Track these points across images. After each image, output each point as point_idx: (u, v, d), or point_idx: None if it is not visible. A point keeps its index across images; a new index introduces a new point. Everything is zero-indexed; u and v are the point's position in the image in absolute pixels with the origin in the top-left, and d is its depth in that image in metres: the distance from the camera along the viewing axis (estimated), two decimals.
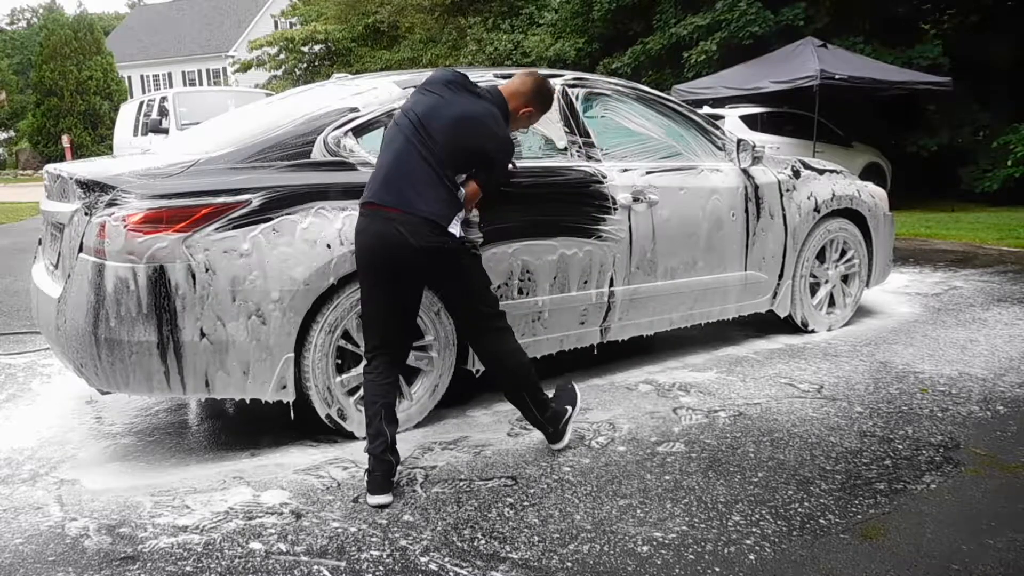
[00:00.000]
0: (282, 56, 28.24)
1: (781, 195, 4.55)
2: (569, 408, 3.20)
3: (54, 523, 2.65)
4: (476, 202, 3.11)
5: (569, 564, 2.34)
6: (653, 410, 3.60)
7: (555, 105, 3.89)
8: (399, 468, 2.89)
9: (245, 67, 29.06)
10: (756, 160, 4.41)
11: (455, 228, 2.87)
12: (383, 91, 3.49)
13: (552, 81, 3.97)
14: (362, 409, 3.29)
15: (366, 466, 2.79)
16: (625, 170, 3.97)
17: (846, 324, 4.96)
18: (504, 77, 3.81)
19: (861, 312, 5.18)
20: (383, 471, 2.77)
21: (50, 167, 3.55)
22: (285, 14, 35.70)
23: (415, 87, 3.10)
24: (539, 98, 3.16)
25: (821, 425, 3.37)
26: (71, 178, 3.17)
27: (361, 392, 3.31)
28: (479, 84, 3.09)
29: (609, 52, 17.40)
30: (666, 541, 2.46)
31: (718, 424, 3.41)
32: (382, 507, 2.71)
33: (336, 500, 2.78)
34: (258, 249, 3.00)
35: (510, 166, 3.28)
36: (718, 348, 4.54)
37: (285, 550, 2.44)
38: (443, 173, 2.85)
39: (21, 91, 42.22)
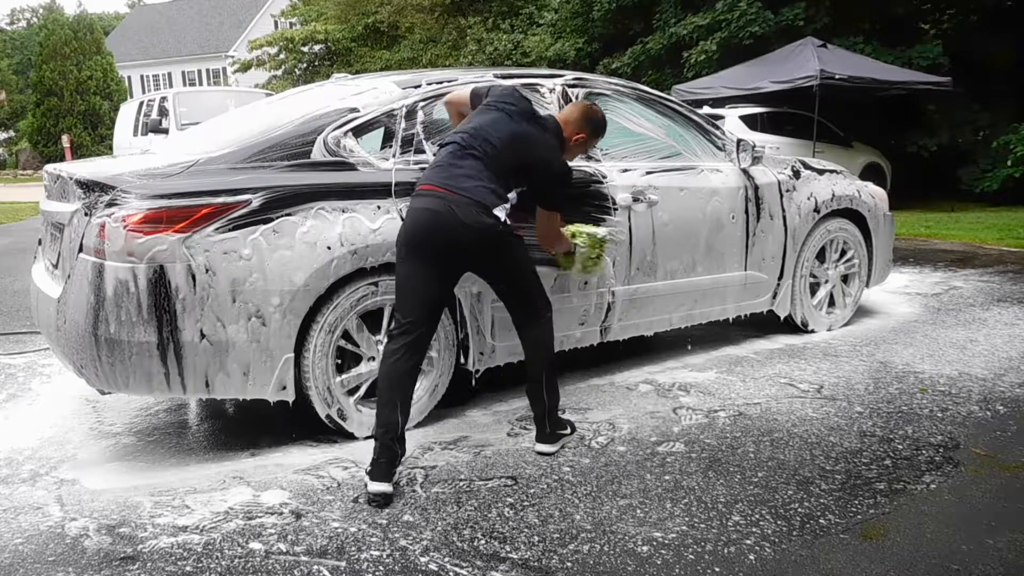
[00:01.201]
0: (282, 56, 28.24)
1: (781, 195, 4.55)
2: (570, 429, 3.29)
3: (54, 523, 2.65)
4: (557, 223, 3.33)
5: (569, 564, 2.34)
6: (653, 410, 3.60)
7: (556, 105, 3.90)
8: (399, 468, 2.89)
9: (245, 67, 29.06)
10: (756, 160, 4.41)
11: (501, 213, 2.92)
12: (383, 91, 3.49)
13: (552, 81, 3.98)
14: (362, 409, 3.31)
15: (371, 455, 2.82)
16: (625, 170, 3.97)
17: (846, 324, 4.96)
18: (504, 77, 3.82)
19: (861, 312, 5.18)
20: (388, 458, 2.79)
21: (50, 167, 3.55)
22: (285, 14, 35.69)
23: (481, 95, 3.20)
24: (589, 124, 3.27)
25: (821, 425, 3.37)
26: (71, 178, 3.17)
27: (361, 392, 3.32)
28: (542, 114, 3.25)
29: (609, 52, 17.40)
30: (666, 541, 2.46)
31: (718, 424, 3.41)
32: (381, 496, 2.71)
33: (336, 500, 2.78)
34: (258, 250, 3.00)
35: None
36: (718, 348, 4.54)
37: (285, 550, 2.45)
38: (494, 169, 2.94)
39: (21, 91, 42.21)
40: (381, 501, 2.72)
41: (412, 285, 2.91)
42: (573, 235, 3.47)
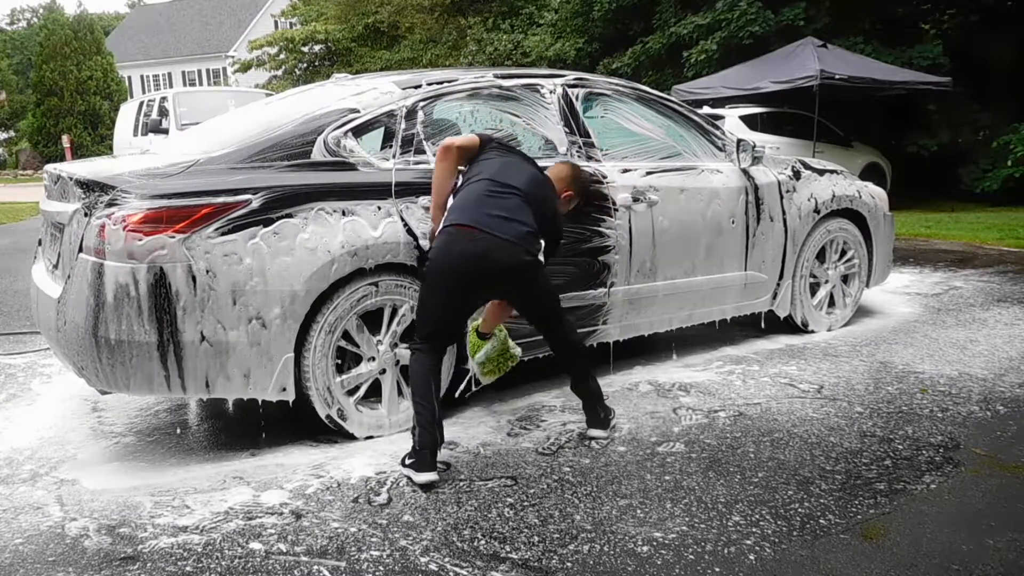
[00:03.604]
0: (282, 56, 28.26)
1: (781, 196, 4.54)
2: (614, 414, 3.41)
3: (54, 523, 2.65)
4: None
5: (569, 564, 2.34)
6: (653, 410, 3.60)
7: (556, 105, 3.90)
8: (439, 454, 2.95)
9: (245, 67, 29.07)
10: (756, 160, 4.41)
11: (538, 253, 3.06)
12: (383, 91, 3.49)
13: (553, 81, 3.98)
14: (362, 410, 3.32)
15: (412, 445, 2.90)
16: (625, 170, 3.98)
17: (846, 324, 4.96)
18: (504, 77, 3.82)
19: (861, 312, 5.18)
20: (431, 448, 2.87)
21: (50, 167, 3.55)
22: (285, 14, 35.70)
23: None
24: (577, 185, 3.44)
25: (821, 425, 3.37)
26: (71, 178, 3.17)
27: (361, 393, 3.33)
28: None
29: (609, 52, 17.39)
30: (666, 541, 2.46)
31: (718, 424, 3.41)
32: (431, 484, 2.82)
33: (336, 500, 2.78)
34: (258, 250, 3.00)
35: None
36: (718, 348, 4.54)
37: (285, 550, 2.44)
38: (530, 209, 3.04)
39: (21, 91, 42.20)
40: (430, 488, 2.83)
41: (442, 313, 3.02)
42: (499, 328, 3.38)
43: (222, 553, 2.43)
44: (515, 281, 3.04)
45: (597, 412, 3.30)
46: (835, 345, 4.57)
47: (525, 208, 3.03)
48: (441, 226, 3.04)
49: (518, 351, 3.48)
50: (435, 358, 3.05)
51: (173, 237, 2.89)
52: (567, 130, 3.88)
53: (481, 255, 2.92)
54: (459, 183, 3.15)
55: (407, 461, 2.91)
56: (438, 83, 3.64)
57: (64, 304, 3.02)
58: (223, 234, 2.95)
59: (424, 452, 2.86)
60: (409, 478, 2.88)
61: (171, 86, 40.38)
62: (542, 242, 3.09)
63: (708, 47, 14.06)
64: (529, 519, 2.61)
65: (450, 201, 3.12)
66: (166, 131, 12.28)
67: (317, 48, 27.74)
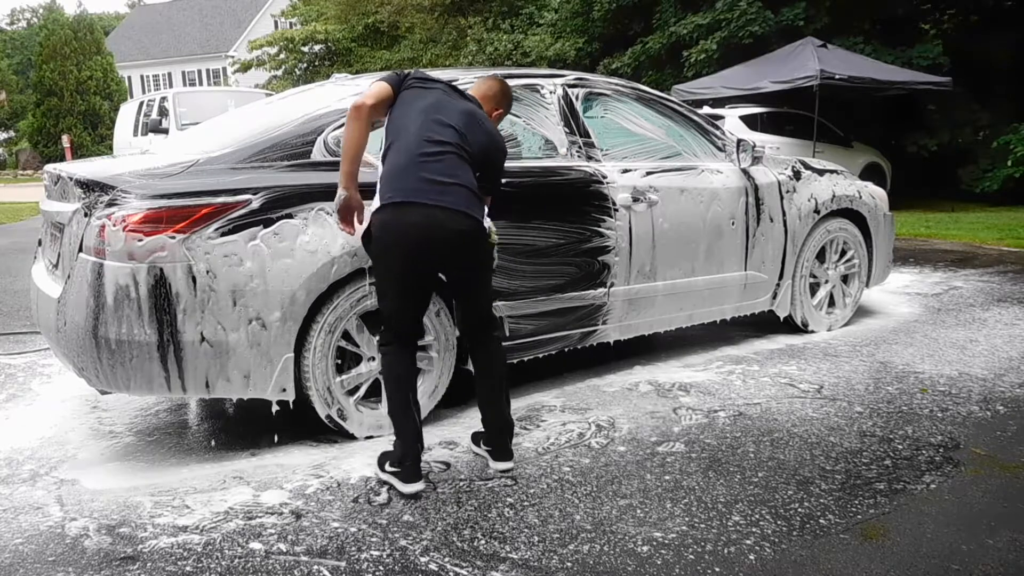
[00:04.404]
0: (282, 56, 28.23)
1: (781, 196, 4.54)
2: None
3: (54, 523, 2.65)
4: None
5: (569, 564, 2.34)
6: (653, 410, 3.60)
7: (556, 106, 3.90)
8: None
9: (245, 67, 29.06)
10: (756, 160, 4.41)
11: (483, 216, 2.87)
12: None
13: (553, 81, 3.98)
14: (362, 410, 3.31)
15: (395, 453, 2.85)
16: (625, 170, 3.98)
17: (846, 324, 4.96)
18: (504, 77, 3.82)
19: (861, 312, 5.18)
20: (414, 458, 2.81)
21: (50, 167, 3.55)
22: (285, 14, 35.71)
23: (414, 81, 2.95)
24: (506, 101, 3.18)
25: (821, 425, 3.37)
26: (71, 178, 3.17)
27: (361, 393, 3.32)
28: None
29: (609, 52, 17.39)
30: (666, 541, 2.46)
31: (718, 424, 3.41)
32: (419, 494, 2.77)
33: (336, 500, 2.78)
34: (258, 251, 3.00)
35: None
36: (718, 348, 4.54)
37: (285, 550, 2.44)
38: (467, 160, 2.83)
39: (21, 91, 42.19)
40: (418, 498, 2.77)
41: (402, 301, 2.86)
42: None
43: (222, 553, 2.43)
44: (464, 250, 2.82)
45: (505, 442, 3.02)
46: (835, 345, 4.57)
47: (463, 163, 2.81)
48: (379, 202, 2.79)
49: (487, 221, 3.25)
50: (408, 356, 2.91)
51: (173, 237, 2.89)
52: (567, 130, 3.88)
53: (429, 231, 2.72)
54: (385, 142, 2.89)
55: (389, 469, 2.84)
56: None
57: (64, 304, 3.02)
58: (223, 235, 2.95)
59: (409, 462, 2.80)
60: (393, 487, 2.81)
61: (171, 86, 40.39)
62: (485, 207, 2.91)
63: (708, 47, 14.06)
64: (529, 519, 2.61)
65: (379, 166, 2.88)
66: (166, 131, 12.28)
67: (317, 48, 27.72)
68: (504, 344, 3.59)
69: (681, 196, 4.12)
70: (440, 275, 2.97)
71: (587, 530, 2.53)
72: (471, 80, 3.69)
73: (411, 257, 2.77)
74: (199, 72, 44.78)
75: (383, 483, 2.88)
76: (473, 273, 2.95)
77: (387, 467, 2.86)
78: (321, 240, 3.11)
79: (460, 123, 2.84)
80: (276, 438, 3.32)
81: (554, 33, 18.68)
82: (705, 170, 4.28)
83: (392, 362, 2.88)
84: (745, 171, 4.41)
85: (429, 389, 3.45)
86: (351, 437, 3.29)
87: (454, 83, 3.04)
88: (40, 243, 3.78)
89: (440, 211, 2.73)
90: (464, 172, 2.81)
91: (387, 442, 3.26)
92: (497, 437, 3.03)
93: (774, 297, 4.63)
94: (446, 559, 2.38)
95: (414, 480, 2.79)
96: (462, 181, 2.78)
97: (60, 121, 30.17)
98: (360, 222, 2.88)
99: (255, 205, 3.01)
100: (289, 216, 3.06)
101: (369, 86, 2.91)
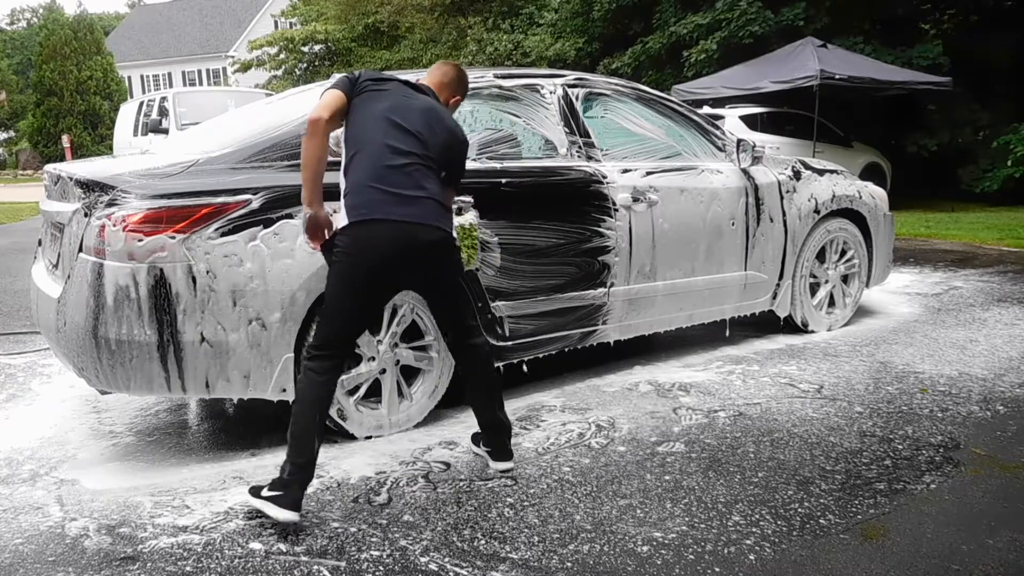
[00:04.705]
0: (282, 56, 28.23)
1: (781, 196, 4.54)
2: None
3: (54, 523, 2.65)
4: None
5: (569, 564, 2.34)
6: (653, 410, 3.59)
7: (556, 106, 3.90)
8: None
9: (245, 67, 29.05)
10: (756, 160, 4.41)
11: (450, 225, 2.80)
12: None
13: (553, 81, 3.99)
14: (362, 410, 3.31)
15: (275, 475, 2.62)
16: (625, 170, 3.98)
17: (846, 324, 4.96)
18: (504, 77, 3.83)
19: (861, 312, 5.18)
20: (301, 483, 2.58)
21: (50, 167, 3.55)
22: (285, 14, 35.69)
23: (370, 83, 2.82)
24: (462, 87, 3.06)
25: (821, 425, 3.37)
26: (71, 178, 3.17)
27: (361, 393, 3.32)
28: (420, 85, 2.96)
29: (609, 52, 17.39)
30: (666, 541, 2.46)
31: (718, 424, 3.41)
32: (293, 525, 2.54)
33: (336, 500, 2.78)
34: (258, 251, 3.00)
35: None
36: (718, 348, 4.54)
37: (285, 550, 2.44)
38: (431, 165, 2.74)
39: (21, 91, 42.20)
40: (293, 529, 2.55)
41: (358, 315, 2.74)
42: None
43: (222, 553, 2.43)
44: (435, 262, 2.76)
45: (504, 442, 3.00)
46: (835, 345, 4.57)
47: (428, 172, 2.71)
48: (347, 219, 2.68)
49: (466, 217, 3.24)
50: (333, 377, 2.71)
51: (173, 238, 2.89)
52: (567, 130, 3.88)
53: (398, 247, 2.64)
54: (346, 154, 2.76)
55: (266, 493, 2.57)
56: None
57: (64, 304, 3.02)
58: (223, 235, 2.95)
59: (292, 488, 2.55)
60: (263, 512, 2.55)
61: (171, 86, 40.38)
62: (453, 216, 2.84)
63: (708, 47, 14.06)
64: (529, 519, 2.61)
65: (341, 182, 2.76)
66: (166, 131, 12.28)
67: (317, 48, 27.71)
68: (504, 344, 3.61)
69: (681, 196, 4.12)
70: (404, 291, 2.85)
71: (587, 530, 2.53)
72: (470, 80, 3.69)
73: (377, 274, 2.67)
74: (199, 72, 44.78)
75: (383, 483, 2.88)
76: (447, 285, 2.88)
77: (264, 492, 2.59)
78: None
79: (421, 126, 2.73)
80: (276, 438, 3.31)
81: (554, 33, 18.68)
82: (705, 170, 4.28)
83: (314, 381, 2.66)
84: (745, 171, 4.41)
85: (429, 389, 3.45)
86: (351, 437, 3.28)
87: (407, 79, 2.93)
88: (40, 243, 3.78)
89: (409, 226, 2.65)
90: (430, 182, 2.72)
91: (387, 442, 3.27)
92: (495, 438, 3.02)
93: (774, 297, 4.63)
94: (446, 559, 2.38)
95: (292, 508, 2.53)
96: (429, 193, 2.70)
97: (60, 121, 30.17)
98: (329, 237, 2.75)
99: (255, 205, 3.01)
100: (289, 216, 3.06)
101: (321, 96, 2.77)
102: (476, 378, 3.01)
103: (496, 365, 3.62)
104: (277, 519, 2.52)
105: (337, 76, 2.92)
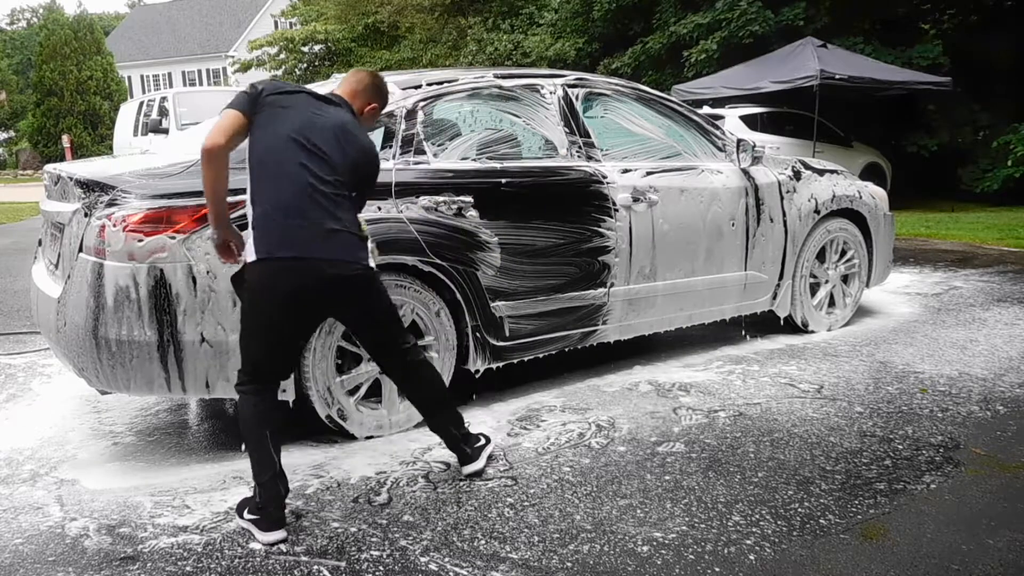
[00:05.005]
0: (282, 56, 28.24)
1: (781, 196, 4.54)
2: (484, 440, 3.05)
3: (54, 523, 2.65)
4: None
5: (569, 564, 2.34)
6: (653, 410, 3.60)
7: (556, 106, 3.90)
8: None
9: (245, 67, 29.05)
10: (756, 160, 4.41)
11: (368, 256, 2.64)
12: None
13: (553, 81, 3.98)
14: (362, 410, 3.31)
15: (253, 499, 2.59)
16: (625, 171, 3.98)
17: (846, 324, 4.96)
18: (505, 77, 3.83)
19: (861, 312, 5.18)
20: (277, 503, 2.55)
21: (50, 167, 3.55)
22: (285, 14, 35.69)
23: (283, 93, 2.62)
24: (380, 95, 2.83)
25: (821, 425, 3.37)
26: (71, 178, 3.17)
27: (361, 393, 3.32)
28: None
29: (609, 52, 17.40)
30: (666, 541, 2.46)
31: (718, 424, 3.41)
32: (282, 542, 2.49)
33: (336, 500, 2.78)
34: None
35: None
36: (718, 348, 4.54)
37: (285, 550, 2.45)
38: (343, 190, 2.55)
39: (21, 91, 42.24)
40: (293, 529, 2.55)
41: (272, 346, 2.59)
42: None
43: (222, 553, 2.43)
44: (352, 297, 2.63)
45: (464, 449, 2.94)
46: (835, 345, 4.57)
47: (341, 200, 2.53)
48: (255, 255, 2.51)
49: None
50: (270, 397, 2.63)
51: (173, 238, 2.89)
52: (567, 130, 3.88)
53: (308, 285, 2.50)
54: (250, 179, 2.55)
55: (248, 516, 2.56)
56: (438, 83, 3.64)
57: (64, 304, 3.02)
58: None
59: (269, 509, 2.52)
60: (251, 534, 2.52)
61: (171, 86, 40.39)
62: (370, 245, 2.66)
63: (708, 47, 14.07)
64: (529, 519, 2.61)
65: (248, 212, 2.56)
66: (166, 131, 12.28)
67: (317, 48, 27.72)
68: (504, 344, 3.61)
69: (681, 196, 4.12)
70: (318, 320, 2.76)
71: (587, 530, 2.53)
72: (470, 80, 3.69)
73: (290, 312, 2.53)
74: (199, 72, 44.79)
75: (383, 483, 2.88)
76: (368, 315, 2.73)
77: (246, 514, 2.57)
78: None
79: (330, 146, 2.52)
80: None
81: (554, 33, 18.68)
82: (705, 170, 4.28)
83: (250, 402, 2.59)
84: (745, 171, 4.41)
85: None
86: (351, 437, 3.29)
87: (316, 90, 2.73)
88: (40, 243, 3.79)
89: (321, 264, 2.49)
90: (343, 211, 2.54)
91: (387, 442, 3.27)
92: (455, 447, 2.96)
93: (774, 297, 4.63)
94: (446, 559, 2.38)
95: (275, 528, 2.50)
96: (343, 225, 2.52)
97: (60, 121, 30.18)
98: (241, 253, 2.62)
99: None
100: None
101: (219, 115, 2.55)
102: (421, 400, 2.93)
103: (496, 365, 3.64)
104: (263, 541, 2.48)
105: (237, 92, 2.72)
